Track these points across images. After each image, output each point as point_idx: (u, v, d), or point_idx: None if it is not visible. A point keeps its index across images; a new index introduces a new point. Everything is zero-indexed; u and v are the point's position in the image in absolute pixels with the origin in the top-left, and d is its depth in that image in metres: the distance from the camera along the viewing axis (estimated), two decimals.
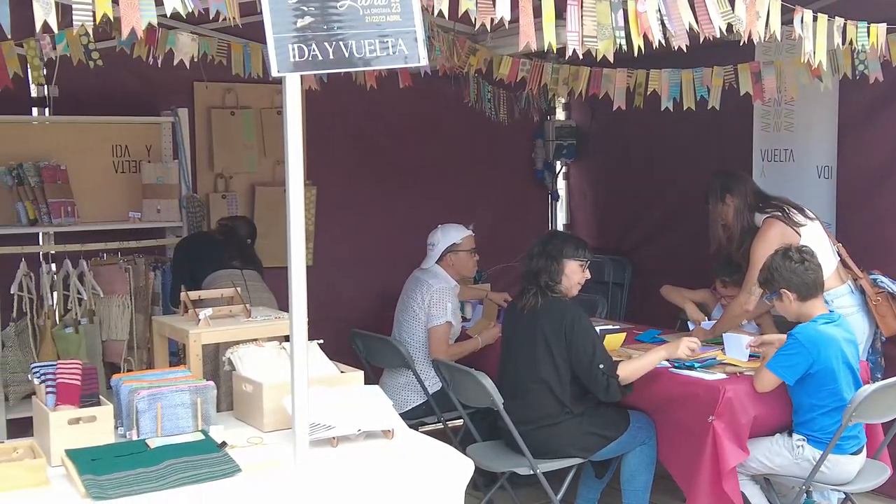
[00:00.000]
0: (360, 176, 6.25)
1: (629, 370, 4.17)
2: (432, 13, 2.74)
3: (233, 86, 5.74)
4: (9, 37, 2.50)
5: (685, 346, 4.20)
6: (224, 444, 2.98)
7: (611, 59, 3.13)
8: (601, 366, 4.12)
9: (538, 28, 2.90)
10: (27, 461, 2.75)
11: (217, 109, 5.80)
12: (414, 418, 4.82)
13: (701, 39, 3.19)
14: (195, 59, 4.18)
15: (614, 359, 4.23)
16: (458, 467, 3.04)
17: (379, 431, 3.18)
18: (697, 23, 3.09)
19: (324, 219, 6.03)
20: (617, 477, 4.46)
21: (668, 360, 4.28)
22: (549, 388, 4.18)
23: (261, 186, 5.96)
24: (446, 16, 2.76)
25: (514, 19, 2.87)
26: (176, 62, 4.12)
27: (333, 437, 3.09)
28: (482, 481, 4.60)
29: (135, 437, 3.04)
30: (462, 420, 4.69)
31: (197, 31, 4.41)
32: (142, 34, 2.45)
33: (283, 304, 4.54)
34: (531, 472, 4.17)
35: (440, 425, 5.00)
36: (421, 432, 3.42)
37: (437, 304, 4.95)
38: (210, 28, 4.68)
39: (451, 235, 5.15)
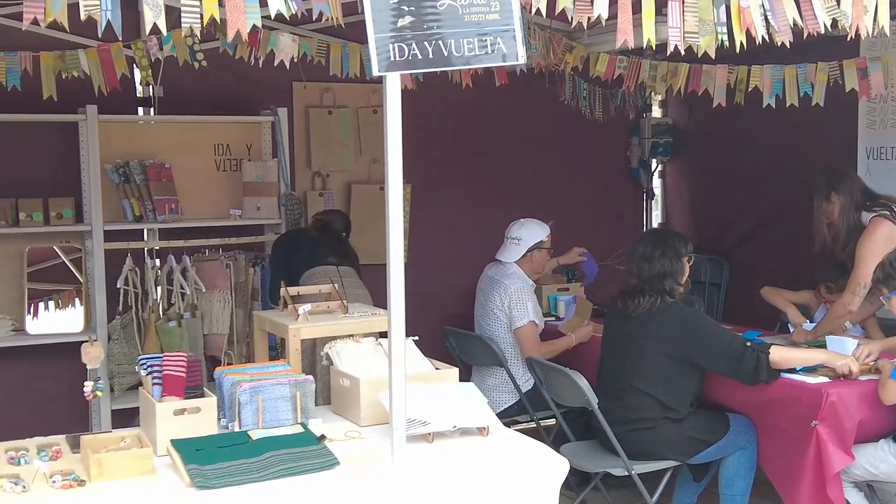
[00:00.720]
0: (453, 174, 6.27)
1: (783, 355, 4.02)
2: (530, 11, 2.73)
3: (330, 85, 5.83)
4: (119, 38, 2.58)
5: (848, 363, 3.96)
6: (323, 437, 3.03)
7: (712, 55, 3.07)
8: (748, 343, 4.01)
9: (636, 24, 2.87)
10: (134, 450, 2.85)
11: (315, 109, 5.90)
12: (506, 418, 4.82)
13: (804, 35, 3.11)
14: (295, 60, 4.26)
15: None
16: (553, 466, 3.04)
17: (474, 428, 3.19)
18: (802, 18, 3.02)
19: (417, 216, 6.07)
20: (715, 481, 4.38)
21: None
22: (651, 392, 4.11)
23: (357, 184, 6.04)
24: (544, 14, 2.75)
25: (612, 16, 2.84)
26: (276, 63, 4.20)
27: (429, 434, 3.11)
28: (575, 481, 4.57)
29: (237, 429, 3.11)
30: (553, 419, 4.67)
31: (296, 32, 4.49)
32: (246, 36, 2.51)
33: (378, 301, 4.62)
34: (626, 474, 4.13)
35: (532, 424, 4.99)
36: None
37: (516, 305, 4.93)
38: (309, 29, 4.76)
39: (537, 232, 5.12)
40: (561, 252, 5.65)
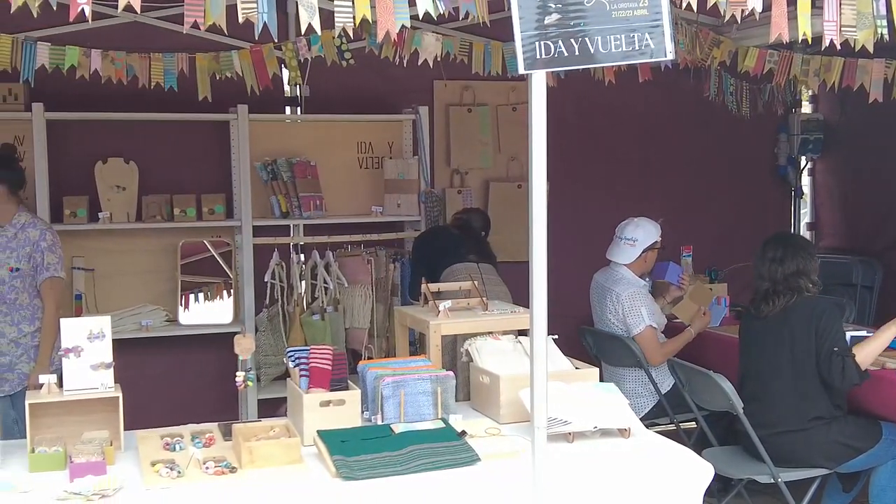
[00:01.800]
0: (591, 171, 6.21)
1: (865, 352, 3.94)
2: (680, 6, 2.68)
3: (470, 83, 5.86)
4: (275, 39, 2.67)
5: None
6: (464, 433, 3.06)
7: (871, 49, 2.94)
8: (835, 348, 3.91)
9: (790, 18, 2.78)
10: (283, 439, 2.94)
11: (455, 107, 5.95)
12: (645, 420, 4.74)
13: None
14: (438, 59, 4.30)
15: None
16: (696, 471, 2.98)
17: (615, 430, 3.16)
18: None
19: (554, 215, 5.99)
20: (865, 491, 4.20)
21: None
22: (795, 393, 4.00)
23: (495, 182, 6.06)
24: (694, 8, 2.70)
25: (764, 9, 2.76)
26: (420, 62, 4.25)
27: (570, 433, 3.10)
28: (716, 486, 4.44)
29: (379, 422, 3.17)
30: (691, 422, 4.57)
31: (438, 31, 4.53)
32: (395, 35, 2.55)
33: (516, 299, 4.62)
34: (772, 481, 4.01)
35: (671, 427, 4.89)
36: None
37: (630, 312, 4.81)
38: (450, 27, 4.80)
39: (652, 233, 4.98)
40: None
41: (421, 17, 2.61)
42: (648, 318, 4.80)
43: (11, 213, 4.22)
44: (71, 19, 2.32)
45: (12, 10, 2.33)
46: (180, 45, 4.50)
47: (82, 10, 2.28)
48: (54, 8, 2.35)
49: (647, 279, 5.08)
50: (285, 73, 4.75)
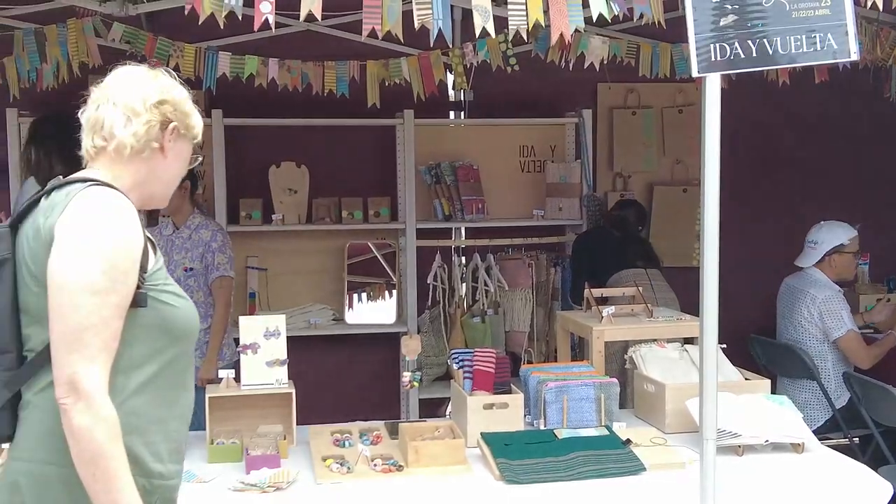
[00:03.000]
0: (757, 174, 6.00)
1: None
2: (864, 6, 2.57)
3: (635, 86, 5.78)
4: (449, 45, 2.72)
5: None
6: (628, 441, 3.02)
7: None
8: None
9: None
10: (448, 440, 2.98)
11: (619, 109, 5.88)
12: (817, 435, 4.54)
13: None
14: (604, 62, 4.26)
15: None
16: (875, 490, 2.84)
17: (788, 444, 3.05)
18: None
19: (722, 219, 5.85)
20: None
21: None
22: None
23: (659, 186, 5.95)
24: (880, 7, 2.57)
25: None
26: (587, 65, 4.23)
27: (739, 446, 3.02)
28: None
29: (542, 427, 3.17)
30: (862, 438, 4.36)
31: (603, 34, 4.49)
32: (569, 38, 2.55)
33: (681, 305, 4.52)
34: None
35: (843, 441, 4.67)
36: None
37: (829, 315, 4.60)
38: (616, 30, 4.74)
39: (837, 234, 4.75)
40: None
41: (595, 19, 2.60)
42: (849, 321, 4.61)
43: (187, 214, 4.43)
44: (255, 28, 2.43)
45: (200, 21, 2.45)
46: (350, 52, 4.63)
47: (266, 18, 2.38)
48: (240, 18, 2.46)
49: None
50: (450, 78, 4.81)
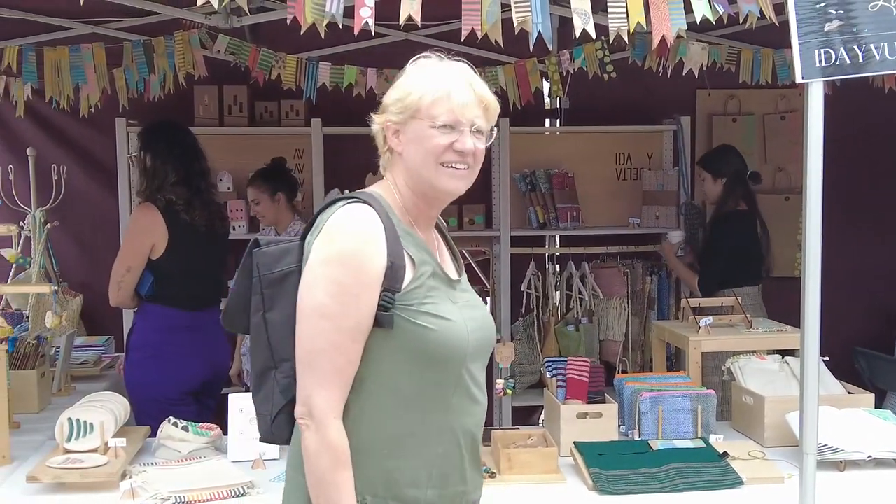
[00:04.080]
0: (861, 182, 5.81)
1: None
2: None
3: (735, 92, 5.68)
4: (549, 48, 2.72)
5: None
6: (725, 454, 2.97)
7: None
8: None
9: None
10: (541, 448, 2.97)
11: (718, 116, 5.78)
12: None
13: None
14: (704, 68, 4.20)
15: None
16: None
17: (892, 460, 2.96)
18: None
19: (824, 228, 5.70)
20: None
21: None
22: None
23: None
24: None
25: None
26: (685, 71, 4.17)
27: (841, 461, 2.93)
28: None
29: (636, 437, 3.14)
30: None
31: (704, 39, 4.43)
32: (672, 41, 2.53)
33: (780, 316, 4.41)
34: None
35: None
36: None
37: None
38: (716, 35, 4.67)
39: None
40: None
41: (698, 21, 2.57)
42: None
43: (288, 220, 4.53)
44: (355, 33, 2.47)
45: (302, 30, 2.50)
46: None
47: (366, 22, 2.42)
48: (340, 26, 2.50)
49: None
50: (545, 86, 4.80)
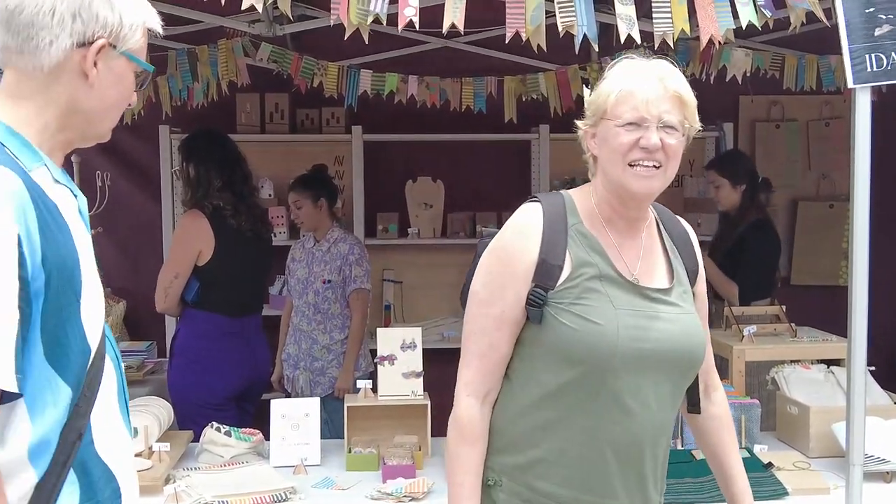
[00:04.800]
0: None
1: None
2: None
3: (779, 98, 5.62)
4: (595, 49, 2.72)
5: None
6: (770, 464, 2.93)
7: None
8: None
9: None
10: None
11: (762, 122, 5.72)
12: None
13: None
14: (747, 74, 4.17)
15: None
16: None
17: None
18: None
19: (871, 236, 5.61)
20: None
21: None
22: None
23: (804, 201, 5.75)
24: None
25: None
26: (728, 78, 4.14)
27: (888, 472, 2.89)
28: None
29: (679, 447, 3.10)
30: None
31: (747, 46, 4.39)
32: (721, 38, 2.51)
33: (825, 325, 4.35)
34: None
35: None
36: None
37: None
38: (759, 41, 4.63)
39: None
40: None
41: (744, 27, 2.55)
42: None
43: (327, 227, 4.55)
44: (399, 29, 2.48)
45: (346, 35, 2.51)
46: (487, 68, 4.67)
47: (410, 20, 2.43)
48: (383, 23, 2.50)
49: None
50: (587, 93, 4.78)
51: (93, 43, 1.55)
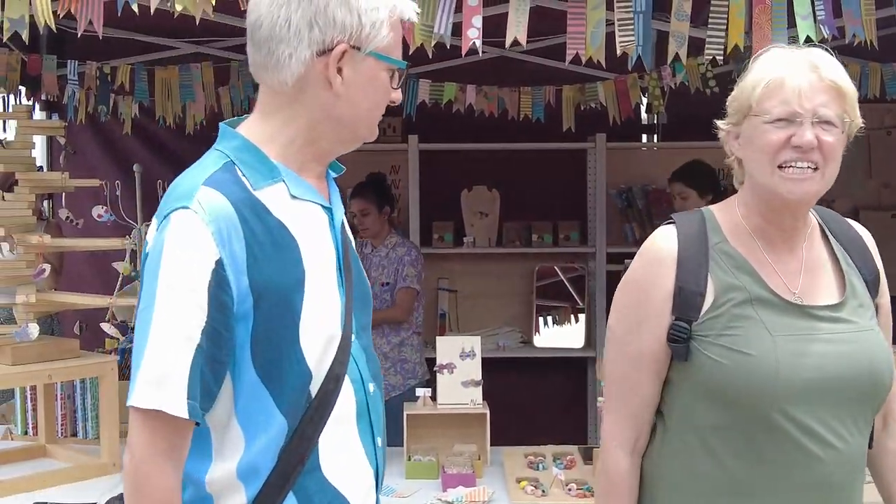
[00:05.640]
0: None
1: None
2: None
3: None
4: (647, 69, 2.71)
5: None
6: None
7: None
8: None
9: None
10: None
11: None
12: None
13: None
14: None
15: None
16: None
17: None
18: None
19: None
20: None
21: None
22: None
23: (865, 210, 5.66)
24: None
25: None
26: None
27: None
28: None
29: None
30: None
31: None
32: None
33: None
34: None
35: None
36: None
37: None
38: (822, 49, 4.56)
39: None
40: None
41: (802, 41, 2.52)
42: None
43: (386, 233, 4.59)
44: (462, 54, 2.49)
45: (411, 50, 2.53)
46: (545, 76, 4.66)
47: (473, 44, 2.44)
48: (448, 47, 2.52)
49: None
50: (644, 101, 4.76)
51: (332, 50, 1.48)
